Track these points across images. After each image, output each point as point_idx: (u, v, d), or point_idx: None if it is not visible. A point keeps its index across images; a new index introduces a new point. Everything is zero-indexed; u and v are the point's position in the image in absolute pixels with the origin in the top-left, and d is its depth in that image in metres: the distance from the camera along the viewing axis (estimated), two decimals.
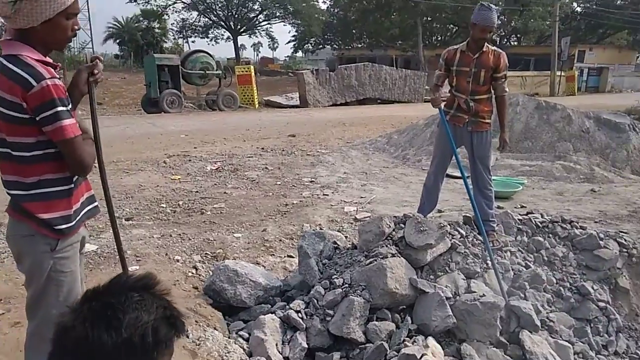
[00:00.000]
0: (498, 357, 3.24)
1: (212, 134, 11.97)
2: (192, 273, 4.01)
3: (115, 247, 2.27)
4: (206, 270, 4.05)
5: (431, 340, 3.15)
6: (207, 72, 18.48)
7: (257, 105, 20.97)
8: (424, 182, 4.52)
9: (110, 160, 8.20)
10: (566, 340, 3.60)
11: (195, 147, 9.94)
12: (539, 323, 3.54)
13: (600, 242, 4.42)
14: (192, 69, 18.28)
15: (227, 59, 42.29)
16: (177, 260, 4.20)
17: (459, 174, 5.03)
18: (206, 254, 4.41)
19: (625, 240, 4.65)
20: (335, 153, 9.50)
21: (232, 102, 19.30)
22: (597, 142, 8.61)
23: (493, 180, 4.97)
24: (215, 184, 6.96)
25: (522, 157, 8.49)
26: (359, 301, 3.25)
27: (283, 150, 9.65)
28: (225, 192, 6.50)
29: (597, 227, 4.93)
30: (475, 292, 3.48)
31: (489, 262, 3.81)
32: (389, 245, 3.64)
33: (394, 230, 3.83)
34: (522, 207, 5.87)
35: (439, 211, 5.58)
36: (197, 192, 6.51)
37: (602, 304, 4.13)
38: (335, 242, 4.10)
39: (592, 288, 4.18)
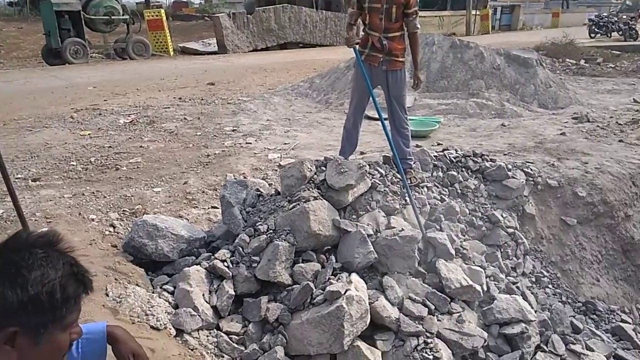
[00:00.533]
0: (417, 286, 3.44)
1: (124, 85, 11.26)
2: (110, 231, 3.85)
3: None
4: (125, 228, 3.90)
5: (354, 276, 3.27)
6: (112, 17, 17.05)
7: (171, 53, 19.86)
8: (344, 125, 4.55)
9: (11, 118, 7.53)
10: (479, 266, 3.87)
11: (105, 100, 9.32)
12: (453, 252, 3.76)
13: (509, 172, 4.73)
14: (95, 15, 16.77)
15: (137, 3, 39.32)
16: (92, 220, 4.00)
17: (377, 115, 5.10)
18: (124, 211, 4.23)
19: (531, 169, 5.00)
20: (257, 100, 9.29)
21: (144, 49, 18.09)
22: (507, 78, 9.02)
23: (411, 120, 5.11)
24: (130, 138, 6.61)
25: (438, 97, 8.75)
26: (284, 245, 3.28)
27: (202, 100, 9.30)
28: (141, 146, 6.20)
29: (506, 159, 5.25)
30: (394, 227, 3.62)
31: (407, 198, 3.95)
32: (311, 189, 3.66)
33: (315, 173, 3.85)
34: (438, 144, 6.10)
35: (361, 153, 5.68)
36: (110, 147, 6.16)
37: (510, 230, 4.47)
38: (258, 190, 4.07)
39: (502, 216, 4.50)
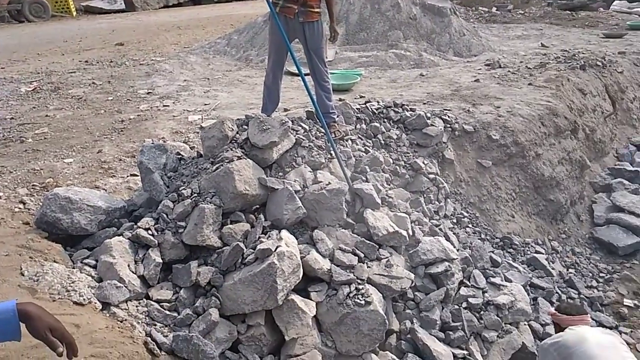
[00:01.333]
0: (346, 236, 3.51)
1: (23, 49, 10.29)
2: (20, 208, 3.57)
3: None
4: (36, 203, 3.63)
5: (285, 233, 3.28)
6: None
7: (74, 13, 18.32)
8: (264, 81, 4.43)
9: None
10: (404, 212, 4.01)
11: (2, 68, 8.49)
12: (379, 201, 3.86)
13: (428, 120, 4.87)
14: None
15: None
16: None
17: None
18: (34, 185, 3.93)
19: (449, 117, 5.17)
20: (172, 60, 8.83)
21: (42, 10, 16.56)
22: (423, 28, 9.15)
23: (332, 74, 5.06)
24: (34, 107, 6.09)
25: (359, 49, 8.74)
26: (210, 208, 3.20)
27: (111, 62, 8.70)
28: (47, 115, 5.74)
29: (425, 107, 5.39)
30: (321, 182, 3.63)
31: (332, 152, 3.97)
32: (234, 149, 3.57)
33: (237, 132, 3.76)
34: (361, 97, 6.13)
35: (285, 110, 5.60)
36: (12, 118, 5.65)
37: (432, 176, 4.64)
38: (179, 153, 3.92)
39: (423, 163, 4.65)
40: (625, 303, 4.73)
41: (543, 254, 5.00)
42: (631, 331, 4.40)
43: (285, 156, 3.80)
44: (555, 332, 2.86)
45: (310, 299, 3.17)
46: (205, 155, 3.70)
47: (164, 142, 4.56)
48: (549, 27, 12.37)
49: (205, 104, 6.18)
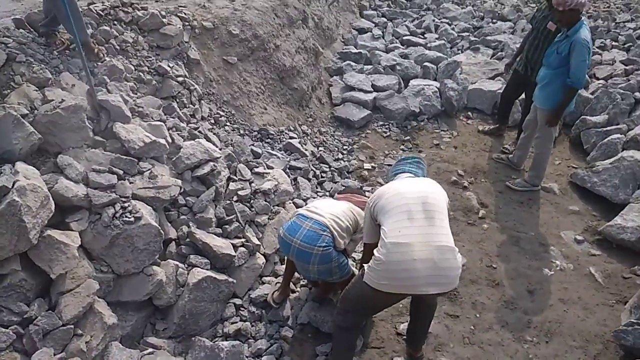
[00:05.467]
0: (98, 156, 3.20)
1: None
2: None
3: None
4: None
5: (20, 165, 2.81)
6: None
7: None
8: None
9: None
10: (158, 120, 3.82)
11: None
12: (129, 113, 3.58)
13: (164, 20, 4.55)
14: None
15: None
16: None
17: None
18: None
19: (185, 14, 4.92)
20: None
21: None
22: None
23: None
24: None
25: None
26: None
27: None
28: None
29: (158, 5, 5.00)
30: (53, 100, 3.15)
31: (60, 65, 3.43)
32: None
33: None
34: None
35: None
36: None
37: (180, 79, 4.46)
38: None
39: (169, 66, 4.41)
40: (365, 167, 5.56)
41: (296, 138, 5.44)
42: (372, 189, 5.24)
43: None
44: None
45: (72, 230, 2.87)
46: None
47: None
48: None
49: None
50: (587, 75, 6.87)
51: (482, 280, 4.02)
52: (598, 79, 7.05)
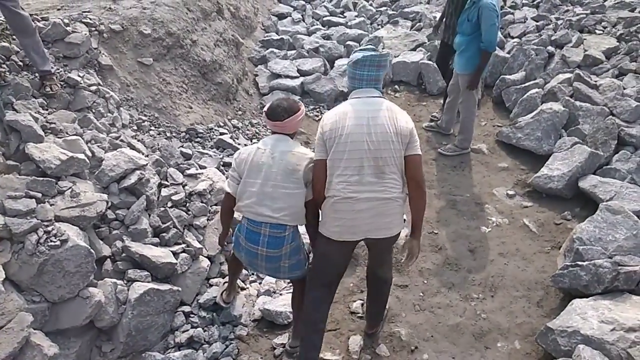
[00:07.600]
0: (12, 181, 3.00)
1: None
2: None
3: None
4: None
5: None
6: None
7: None
8: None
9: None
10: (74, 135, 3.62)
11: None
12: (41, 131, 3.38)
13: (67, 28, 4.30)
14: None
15: None
16: None
17: None
18: None
19: (90, 19, 4.67)
20: None
21: None
22: None
23: None
24: None
25: None
26: None
27: None
28: None
29: (60, 14, 4.70)
30: None
31: None
32: None
33: None
34: None
35: None
36: None
37: (94, 88, 4.24)
38: None
39: (79, 76, 4.18)
40: None
41: (227, 133, 5.34)
42: None
43: None
44: None
45: None
46: None
47: None
48: None
49: None
50: (501, 35, 7.13)
51: (425, 247, 4.13)
52: (513, 37, 7.32)
